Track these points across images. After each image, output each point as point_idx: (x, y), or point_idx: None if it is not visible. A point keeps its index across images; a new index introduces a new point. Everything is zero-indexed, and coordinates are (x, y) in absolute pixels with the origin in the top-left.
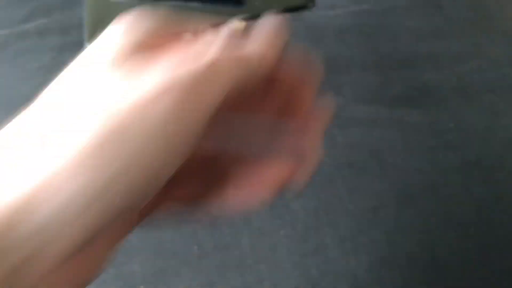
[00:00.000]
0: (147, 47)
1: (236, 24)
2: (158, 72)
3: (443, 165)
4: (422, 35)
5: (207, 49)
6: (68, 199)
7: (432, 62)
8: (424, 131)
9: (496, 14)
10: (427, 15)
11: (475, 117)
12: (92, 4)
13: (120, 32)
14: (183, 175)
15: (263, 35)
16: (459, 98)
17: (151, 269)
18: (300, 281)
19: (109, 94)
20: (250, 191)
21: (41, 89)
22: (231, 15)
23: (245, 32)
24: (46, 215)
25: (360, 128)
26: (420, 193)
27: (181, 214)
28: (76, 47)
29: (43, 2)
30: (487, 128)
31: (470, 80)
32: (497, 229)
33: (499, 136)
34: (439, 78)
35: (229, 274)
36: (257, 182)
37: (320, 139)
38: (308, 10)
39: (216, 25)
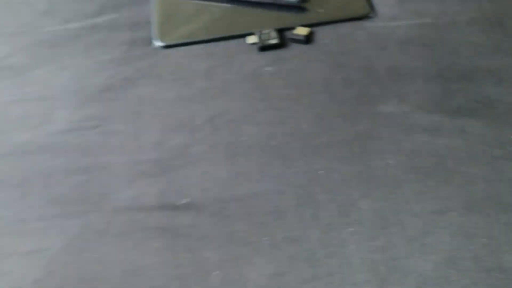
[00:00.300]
0: None
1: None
2: None
3: (507, 174)
4: (483, 50)
5: None
6: None
7: (493, 77)
8: (487, 142)
9: None
10: (488, 31)
11: None
12: (160, 2)
13: None
14: None
15: None
16: None
17: (224, 256)
18: (368, 276)
19: None
20: None
21: (113, 81)
22: (294, 21)
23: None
24: None
25: (425, 135)
26: (485, 200)
27: None
28: (144, 43)
29: None
30: None
31: None
32: None
33: None
34: (500, 92)
35: (300, 265)
36: None
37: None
38: (370, 20)
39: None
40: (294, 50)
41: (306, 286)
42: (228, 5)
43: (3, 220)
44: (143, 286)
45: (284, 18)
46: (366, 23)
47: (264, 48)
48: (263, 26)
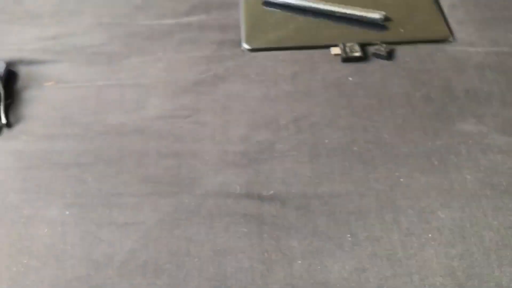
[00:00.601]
0: None
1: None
2: None
3: None
4: None
5: None
6: None
7: None
8: None
9: None
10: None
11: None
12: (248, 9)
13: None
14: None
15: None
16: None
17: (308, 247)
18: (446, 280)
19: None
20: None
21: (204, 76)
22: (376, 37)
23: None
24: None
25: (501, 155)
26: None
27: None
28: (233, 44)
29: (203, 0)
30: None
31: None
32: None
33: None
34: None
35: (380, 263)
36: None
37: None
38: (448, 43)
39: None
40: (376, 64)
41: (385, 283)
42: (313, 18)
43: (100, 192)
44: (230, 266)
45: (367, 33)
46: (445, 46)
47: (347, 59)
48: (346, 39)
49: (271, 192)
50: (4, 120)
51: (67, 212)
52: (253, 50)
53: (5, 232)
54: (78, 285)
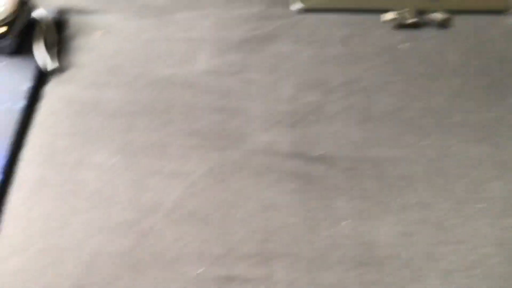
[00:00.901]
0: None
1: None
2: None
3: None
4: None
5: None
6: None
7: None
8: None
9: None
10: None
11: None
12: None
13: None
14: None
15: None
16: None
17: (356, 208)
18: (496, 250)
19: None
20: None
21: (253, 34)
22: (431, 5)
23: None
24: None
25: None
26: None
27: None
28: (283, 3)
29: None
30: None
31: None
32: None
33: None
34: None
35: (429, 229)
36: None
37: None
38: (506, 15)
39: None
40: (430, 32)
41: (433, 249)
42: None
43: (148, 142)
44: (276, 221)
45: (422, 0)
46: (503, 18)
47: (401, 26)
48: (400, 5)
49: (320, 153)
50: (57, 64)
51: (115, 159)
52: (303, 10)
53: (53, 175)
54: (125, 228)
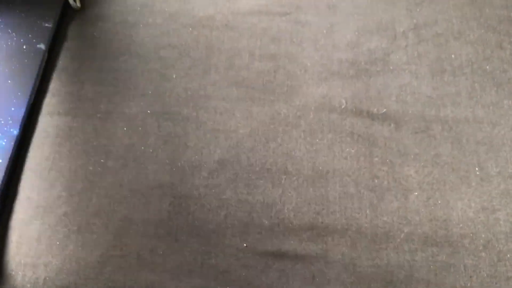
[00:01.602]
0: None
1: None
2: None
3: None
4: None
5: None
6: None
7: None
8: None
9: None
10: None
11: None
12: None
13: None
14: None
15: None
16: None
17: (427, 178)
18: None
19: None
20: None
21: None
22: None
23: None
24: None
25: None
26: None
27: None
28: None
29: None
30: None
31: None
32: None
33: None
34: None
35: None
36: None
37: None
38: None
39: None
40: None
41: None
42: None
43: (186, 92)
44: (334, 190)
45: None
46: None
47: None
48: None
49: (384, 110)
50: (78, 4)
51: (149, 111)
52: None
53: (80, 126)
54: (160, 192)
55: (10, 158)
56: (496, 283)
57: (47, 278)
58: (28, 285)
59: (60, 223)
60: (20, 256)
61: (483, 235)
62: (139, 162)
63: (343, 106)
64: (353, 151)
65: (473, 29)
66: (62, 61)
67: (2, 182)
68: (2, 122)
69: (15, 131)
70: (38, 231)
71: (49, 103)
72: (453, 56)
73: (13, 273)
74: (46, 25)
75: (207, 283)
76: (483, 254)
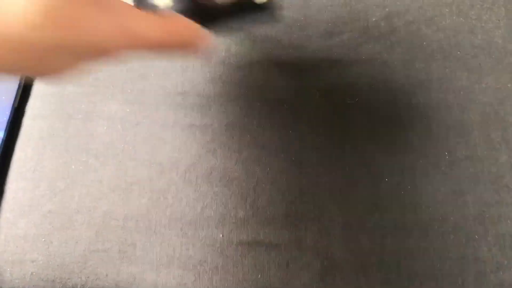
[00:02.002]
0: None
1: None
2: None
3: None
4: None
5: None
6: None
7: None
8: None
9: None
10: None
11: None
12: None
13: None
14: None
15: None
16: None
17: (397, 164)
18: None
19: None
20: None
21: None
22: None
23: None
24: None
25: None
26: None
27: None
28: None
29: None
30: None
31: None
32: None
33: None
34: None
35: (483, 187)
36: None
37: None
38: None
39: None
40: None
41: (488, 210)
42: None
43: (163, 91)
44: (306, 180)
45: None
46: None
47: None
48: None
49: (357, 99)
50: None
51: (128, 110)
52: None
53: (62, 127)
54: (139, 188)
55: None
56: (464, 264)
57: (34, 274)
58: (17, 281)
59: (45, 220)
60: (7, 254)
61: (451, 218)
62: (118, 160)
63: (316, 97)
64: (325, 140)
65: (445, 16)
66: None
67: None
68: None
69: (1, 135)
70: (24, 229)
71: (33, 106)
72: (424, 43)
73: (1, 270)
74: None
75: (185, 272)
76: (451, 236)
